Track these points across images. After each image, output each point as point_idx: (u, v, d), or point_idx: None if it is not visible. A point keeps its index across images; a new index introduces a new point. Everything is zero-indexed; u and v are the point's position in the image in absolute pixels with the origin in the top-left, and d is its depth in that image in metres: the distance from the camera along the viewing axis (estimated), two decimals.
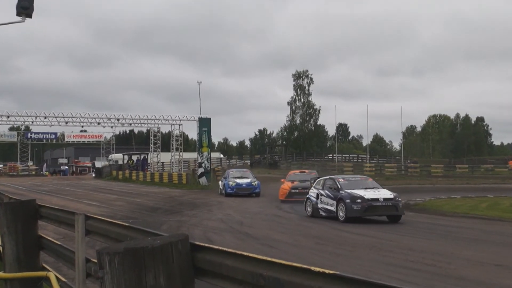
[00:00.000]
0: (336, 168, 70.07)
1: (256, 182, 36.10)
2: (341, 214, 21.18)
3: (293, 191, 30.52)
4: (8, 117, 61.48)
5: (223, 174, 40.06)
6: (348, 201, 20.97)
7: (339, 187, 22.14)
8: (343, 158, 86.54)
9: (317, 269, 2.89)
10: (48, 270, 7.16)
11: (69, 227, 6.73)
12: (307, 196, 24.02)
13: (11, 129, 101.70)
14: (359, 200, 20.86)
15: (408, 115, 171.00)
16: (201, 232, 17.10)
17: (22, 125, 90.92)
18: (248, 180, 36.34)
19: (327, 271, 2.84)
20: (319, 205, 22.77)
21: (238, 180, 36.05)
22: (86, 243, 6.14)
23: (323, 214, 22.39)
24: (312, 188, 24.24)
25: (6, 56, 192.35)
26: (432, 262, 11.86)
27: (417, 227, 19.26)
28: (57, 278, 6.77)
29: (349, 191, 21.57)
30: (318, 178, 25.73)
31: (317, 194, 23.12)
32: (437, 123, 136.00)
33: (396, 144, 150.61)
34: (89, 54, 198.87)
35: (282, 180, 33.14)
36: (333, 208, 21.81)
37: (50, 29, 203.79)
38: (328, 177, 24.64)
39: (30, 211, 7.62)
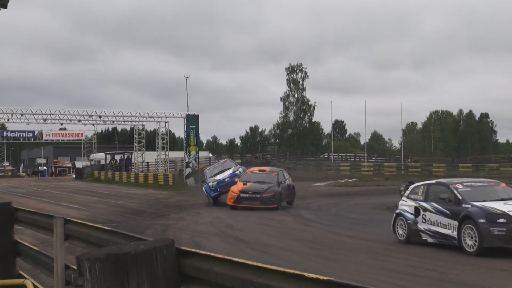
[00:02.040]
0: (333, 168, 70.21)
1: (240, 169, 32.29)
2: (468, 241, 14.18)
3: (242, 195, 27.01)
4: None
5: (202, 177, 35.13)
6: (482, 220, 14.00)
7: (459, 197, 15.13)
8: (340, 157, 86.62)
9: (311, 275, 2.90)
10: (25, 278, 7.14)
11: (47, 231, 6.72)
12: (398, 211, 17.18)
13: None
14: (501, 220, 13.90)
15: (409, 111, 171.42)
16: (188, 237, 17.10)
17: None
18: (230, 172, 31.99)
19: (321, 277, 2.85)
20: (422, 226, 16.00)
21: (218, 177, 31.31)
22: (65, 249, 6.12)
23: (430, 239, 15.65)
24: (405, 199, 17.26)
25: None
26: (433, 267, 11.90)
27: None
28: (35, 286, 6.75)
29: (478, 204, 14.60)
30: (409, 185, 17.90)
31: (417, 209, 16.39)
32: (439, 119, 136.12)
33: (396, 142, 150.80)
34: (69, 46, 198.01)
35: (236, 179, 29.32)
36: (450, 232, 14.89)
37: (25, 19, 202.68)
38: (434, 181, 17.32)
39: (6, 215, 7.60)
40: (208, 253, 3.60)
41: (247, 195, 26.94)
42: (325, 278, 2.83)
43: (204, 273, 3.54)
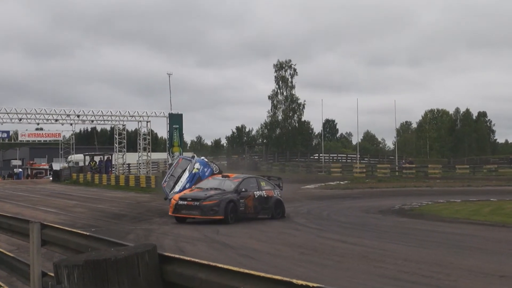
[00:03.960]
0: (323, 169, 70.32)
1: (197, 165, 27.35)
2: None
3: (181, 203, 23.04)
4: None
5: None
6: None
7: None
8: (331, 158, 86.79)
9: (300, 282, 2.92)
10: (0, 286, 7.12)
11: (23, 237, 6.71)
12: None
13: None
14: None
15: (403, 110, 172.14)
16: (171, 242, 17.08)
17: None
18: (186, 175, 27.18)
19: (311, 284, 2.87)
20: None
21: (177, 188, 26.48)
22: (42, 255, 6.11)
23: None
24: None
25: None
26: (429, 274, 11.94)
27: (412, 235, 19.38)
28: None
29: None
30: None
31: None
32: (435, 118, 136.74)
33: (390, 142, 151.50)
34: (45, 41, 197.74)
35: (193, 187, 25.46)
36: None
37: None
38: None
39: None
40: (192, 259, 3.61)
41: (185, 202, 23.03)
42: (316, 285, 2.85)
43: (188, 280, 3.54)
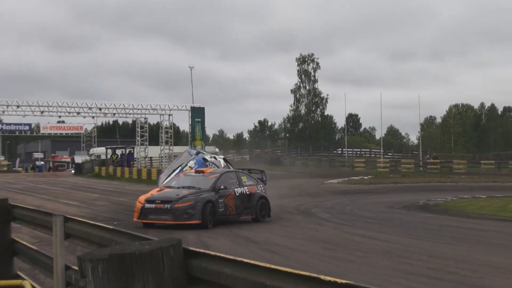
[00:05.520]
0: (346, 164, 70.15)
1: (191, 163, 25.39)
2: None
3: (148, 206, 19.43)
4: None
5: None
6: None
7: None
8: (354, 153, 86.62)
9: (328, 278, 2.88)
10: (23, 279, 7.15)
11: (46, 230, 6.73)
12: None
13: None
14: None
15: (427, 105, 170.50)
16: (194, 236, 17.08)
17: None
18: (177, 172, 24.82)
19: (339, 280, 2.83)
20: None
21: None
22: (65, 248, 6.12)
23: None
24: None
25: None
26: (455, 270, 11.86)
27: (437, 231, 19.26)
28: (33, 287, 6.76)
29: None
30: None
31: None
32: (460, 113, 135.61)
33: (414, 137, 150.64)
34: (67, 35, 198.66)
35: (160, 186, 23.02)
36: None
37: (20, 6, 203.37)
38: None
39: (2, 212, 7.61)
40: (218, 254, 3.59)
41: (153, 205, 19.36)
42: (344, 281, 2.81)
43: (213, 275, 3.52)
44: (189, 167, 24.44)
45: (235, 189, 21.05)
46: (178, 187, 20.56)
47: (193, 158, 25.82)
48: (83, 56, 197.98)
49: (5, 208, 7.68)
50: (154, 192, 20.81)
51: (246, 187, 21.59)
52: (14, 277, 7.43)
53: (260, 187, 22.46)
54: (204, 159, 25.81)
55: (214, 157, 27.04)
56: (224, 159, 27.27)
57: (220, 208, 20.13)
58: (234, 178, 21.72)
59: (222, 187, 20.48)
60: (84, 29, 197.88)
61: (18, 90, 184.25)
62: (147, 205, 19.37)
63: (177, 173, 24.09)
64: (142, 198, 20.09)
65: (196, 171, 22.46)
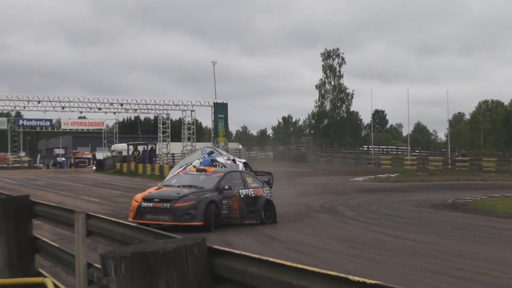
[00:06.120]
0: (373, 161, 69.93)
1: (196, 162, 23.89)
2: None
3: (145, 205, 18.26)
4: None
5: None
6: None
7: None
8: (380, 150, 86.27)
9: (356, 278, 2.87)
10: (45, 276, 7.20)
11: (67, 227, 6.77)
12: None
13: (0, 115, 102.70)
14: None
15: (455, 101, 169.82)
16: (217, 234, 17.10)
17: (12, 111, 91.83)
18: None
19: (368, 280, 2.81)
20: None
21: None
22: (87, 246, 6.15)
23: None
24: None
25: None
26: (485, 271, 11.77)
27: (467, 230, 19.15)
28: (55, 285, 6.80)
29: None
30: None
31: None
32: (489, 109, 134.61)
33: (442, 134, 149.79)
34: (88, 29, 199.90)
35: (159, 184, 21.70)
36: None
37: (41, 0, 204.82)
38: None
39: (23, 209, 7.66)
40: (243, 253, 3.58)
41: (151, 204, 18.19)
42: (373, 282, 2.79)
43: (239, 275, 3.52)
44: (193, 166, 23.11)
45: (240, 190, 19.89)
46: (178, 186, 19.48)
47: (201, 158, 24.52)
48: (104, 50, 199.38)
49: (26, 204, 7.73)
50: (152, 190, 19.70)
51: (251, 189, 20.44)
52: (35, 275, 7.48)
53: (266, 190, 21.28)
54: (213, 160, 24.29)
55: (233, 160, 25.55)
56: (245, 163, 25.41)
57: (224, 210, 18.91)
58: (239, 178, 20.61)
59: (226, 187, 19.32)
60: (105, 24, 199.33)
61: (39, 85, 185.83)
62: (144, 204, 18.20)
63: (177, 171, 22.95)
64: (139, 196, 18.95)
65: (198, 170, 21.18)
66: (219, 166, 23.19)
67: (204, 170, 20.79)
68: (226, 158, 25.25)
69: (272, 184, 22.62)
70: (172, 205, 17.82)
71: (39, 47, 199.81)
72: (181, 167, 24.20)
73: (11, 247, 7.36)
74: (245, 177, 20.94)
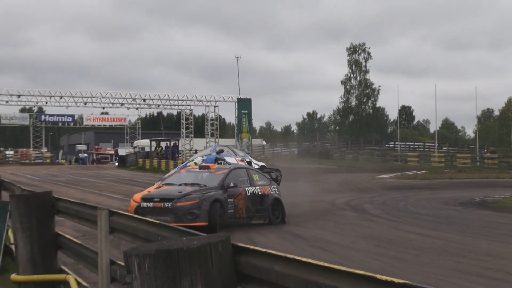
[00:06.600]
0: (399, 158, 69.63)
1: (198, 159, 23.79)
2: None
3: (144, 205, 17.20)
4: (18, 96, 62.58)
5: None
6: None
7: None
8: (407, 146, 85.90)
9: (384, 277, 2.85)
10: (67, 273, 7.25)
11: (90, 223, 6.80)
12: None
13: (22, 110, 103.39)
14: None
15: (484, 97, 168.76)
16: (241, 232, 17.10)
17: (34, 106, 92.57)
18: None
19: (396, 280, 2.80)
20: None
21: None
22: (110, 243, 6.18)
23: None
24: None
25: (14, 26, 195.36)
26: None
27: (496, 229, 19.01)
28: (78, 282, 6.84)
29: None
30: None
31: None
32: None
33: (470, 131, 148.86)
34: (110, 24, 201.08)
35: (159, 183, 20.45)
36: None
37: None
38: None
39: (46, 205, 7.71)
40: (268, 251, 3.57)
41: (150, 204, 17.20)
42: (401, 281, 2.77)
43: (264, 273, 3.52)
44: (194, 163, 22.67)
45: (246, 188, 18.94)
46: (180, 184, 18.46)
47: (205, 156, 23.84)
48: (127, 45, 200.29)
49: (49, 201, 7.77)
50: (152, 189, 18.75)
51: (258, 187, 19.52)
52: (58, 272, 7.53)
53: (274, 187, 20.36)
54: (218, 159, 23.58)
55: (249, 162, 24.70)
56: (262, 167, 24.23)
57: (230, 209, 17.98)
58: (245, 176, 19.67)
59: (231, 184, 18.32)
60: (128, 18, 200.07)
61: (61, 80, 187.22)
62: (144, 204, 17.19)
63: (178, 169, 22.50)
64: (138, 196, 18.01)
65: (201, 167, 20.39)
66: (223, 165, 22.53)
67: (208, 167, 19.99)
68: (239, 159, 24.70)
69: (280, 182, 21.82)
70: (173, 204, 16.92)
71: (61, 42, 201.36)
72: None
73: (33, 244, 7.41)
74: (251, 174, 20.12)
